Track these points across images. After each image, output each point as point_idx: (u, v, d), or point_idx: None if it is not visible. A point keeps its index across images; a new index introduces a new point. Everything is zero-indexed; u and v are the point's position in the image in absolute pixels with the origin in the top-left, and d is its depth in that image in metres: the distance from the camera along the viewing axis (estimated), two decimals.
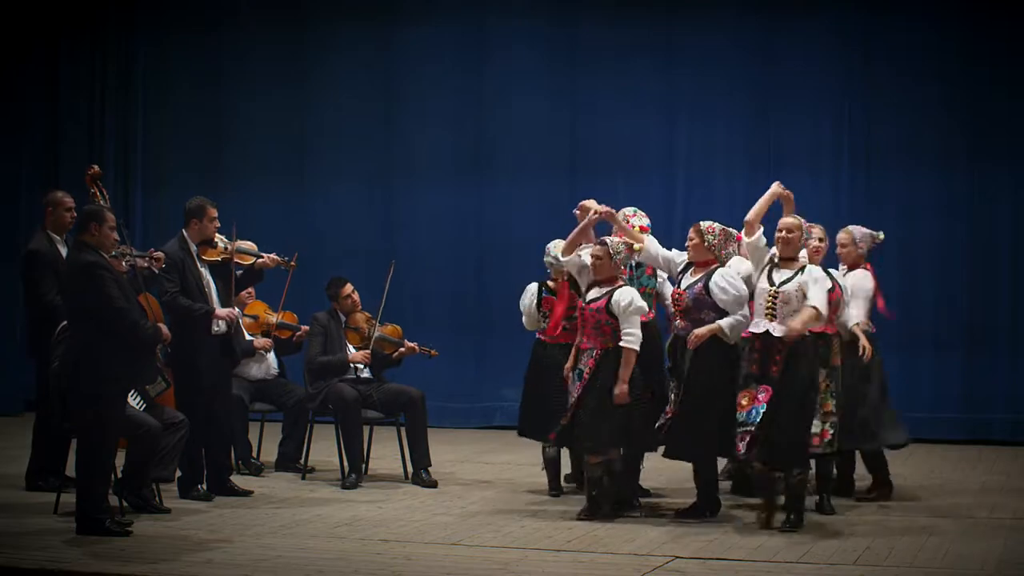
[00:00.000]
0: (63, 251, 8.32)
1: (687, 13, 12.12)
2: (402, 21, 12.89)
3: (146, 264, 7.90)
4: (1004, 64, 11.31)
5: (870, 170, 11.66)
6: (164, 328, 7.36)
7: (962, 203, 11.45)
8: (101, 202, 8.36)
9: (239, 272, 8.45)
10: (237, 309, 8.35)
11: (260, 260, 8.48)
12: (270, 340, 9.41)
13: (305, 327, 9.42)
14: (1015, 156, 11.30)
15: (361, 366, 9.02)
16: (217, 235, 8.32)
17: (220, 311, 8.13)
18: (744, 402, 7.17)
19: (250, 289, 9.29)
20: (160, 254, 8.00)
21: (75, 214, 8.46)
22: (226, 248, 8.32)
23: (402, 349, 9.15)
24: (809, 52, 11.78)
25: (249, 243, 8.54)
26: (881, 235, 8.33)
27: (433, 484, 8.70)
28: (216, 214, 8.28)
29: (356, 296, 9.18)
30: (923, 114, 11.48)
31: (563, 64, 12.42)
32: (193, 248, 8.23)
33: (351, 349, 9.06)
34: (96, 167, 8.71)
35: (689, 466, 7.61)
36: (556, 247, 8.17)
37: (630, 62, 12.20)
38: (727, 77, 11.99)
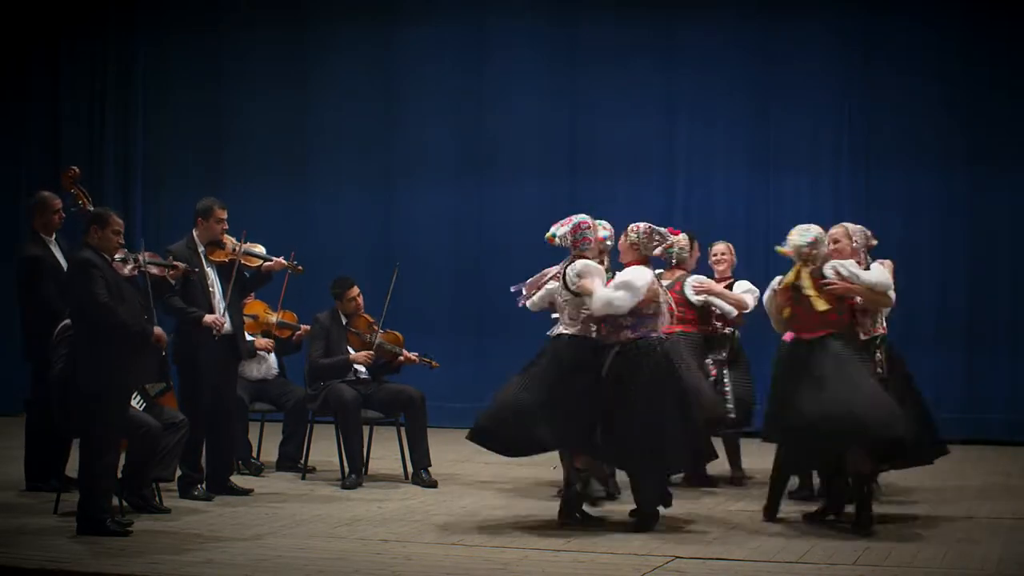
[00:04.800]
0: (56, 252, 8.33)
1: (687, 13, 12.13)
2: (402, 21, 12.90)
3: (162, 274, 7.90)
4: (1004, 64, 11.32)
5: (870, 170, 11.67)
6: (158, 329, 7.34)
7: (962, 203, 11.46)
8: (85, 204, 8.36)
9: (247, 275, 8.47)
10: (226, 318, 8.29)
11: (267, 263, 8.49)
12: (271, 341, 9.42)
13: (305, 326, 9.42)
14: (1015, 156, 11.30)
15: (361, 368, 9.01)
16: (226, 237, 8.34)
17: (207, 318, 8.14)
18: None
19: None
20: (181, 264, 8.02)
21: (63, 215, 8.47)
22: (234, 250, 8.34)
23: (401, 358, 9.13)
24: (809, 52, 11.79)
25: (259, 246, 8.56)
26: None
27: (433, 484, 8.70)
28: (224, 215, 8.32)
29: (360, 299, 9.16)
30: (923, 114, 11.49)
31: (563, 64, 12.43)
32: (201, 249, 8.26)
33: (351, 352, 9.05)
34: (75, 169, 8.69)
35: None
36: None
37: (630, 62, 12.21)
38: (727, 77, 12.00)
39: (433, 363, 9.30)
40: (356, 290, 9.15)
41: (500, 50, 12.59)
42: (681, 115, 12.19)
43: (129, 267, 7.58)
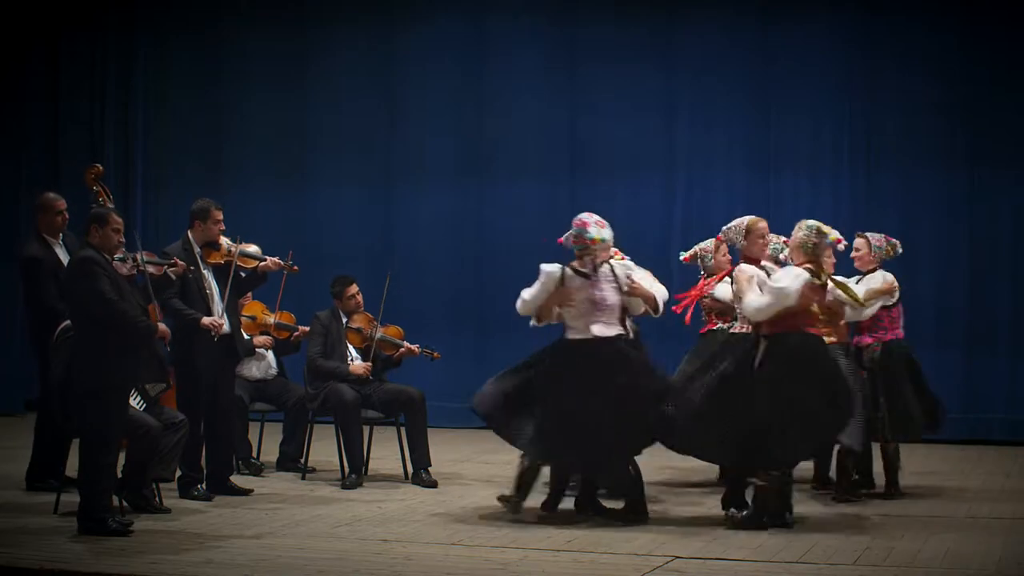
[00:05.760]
0: (59, 252, 8.33)
1: (687, 13, 12.12)
2: (402, 21, 12.90)
3: (160, 272, 7.89)
4: (1004, 64, 11.31)
5: (870, 170, 11.66)
6: (161, 326, 7.35)
7: (962, 203, 11.45)
8: (106, 201, 8.38)
9: (242, 275, 8.47)
10: (225, 319, 8.30)
11: (263, 264, 8.50)
12: (270, 338, 9.43)
13: (303, 327, 9.43)
14: (1015, 156, 11.29)
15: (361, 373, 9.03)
16: (222, 238, 8.34)
17: (205, 320, 8.14)
18: None
19: None
20: (181, 263, 8.00)
21: (66, 216, 8.48)
22: (230, 251, 8.34)
23: (402, 350, 9.16)
24: (809, 52, 11.78)
25: (254, 247, 8.56)
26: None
27: (433, 484, 8.70)
28: (221, 216, 8.32)
29: (360, 297, 9.19)
30: (923, 114, 11.48)
31: (563, 64, 12.42)
32: (197, 250, 8.26)
33: (352, 351, 9.06)
34: (99, 166, 8.74)
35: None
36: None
37: (630, 62, 12.20)
38: (727, 77, 11.99)
39: (435, 354, 9.32)
40: (355, 288, 9.18)
41: (500, 50, 12.58)
42: (681, 115, 12.18)
43: (128, 266, 7.58)
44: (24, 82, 13.62)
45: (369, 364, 9.00)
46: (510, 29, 12.58)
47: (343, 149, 12.99)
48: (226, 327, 8.24)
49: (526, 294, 7.55)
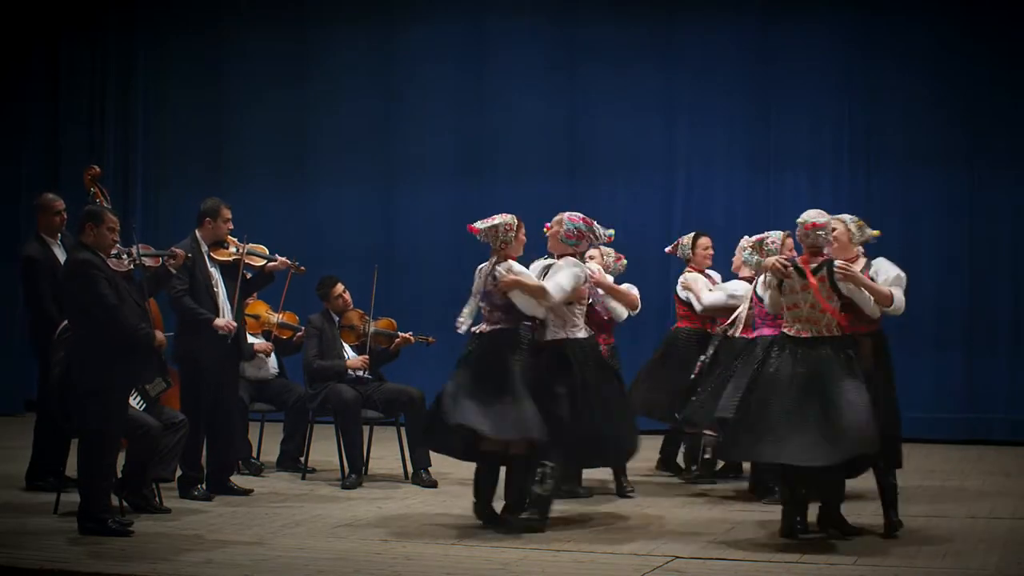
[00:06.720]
0: (58, 253, 8.33)
1: (687, 13, 12.14)
2: (402, 21, 12.91)
3: (157, 264, 7.87)
4: (1004, 64, 11.32)
5: (870, 170, 11.67)
6: (159, 334, 7.34)
7: (962, 203, 11.46)
8: (102, 203, 8.36)
9: (249, 275, 8.47)
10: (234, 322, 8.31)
11: (271, 263, 8.50)
12: (270, 344, 9.42)
13: None
14: (1015, 156, 11.31)
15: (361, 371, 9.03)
16: (229, 237, 8.35)
17: (218, 321, 8.15)
18: None
19: None
20: (180, 252, 7.97)
21: (64, 216, 8.49)
22: (237, 250, 8.35)
23: (398, 340, 9.16)
24: (809, 52, 11.79)
25: (261, 247, 8.57)
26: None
27: (433, 484, 8.70)
28: (230, 215, 8.35)
29: (347, 295, 9.20)
30: (923, 114, 11.49)
31: (563, 64, 12.43)
32: (204, 248, 8.27)
33: (348, 349, 9.08)
34: (96, 168, 8.74)
35: None
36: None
37: (630, 62, 12.22)
38: (727, 77, 12.00)
39: (429, 339, 9.33)
40: (341, 287, 9.19)
41: (500, 50, 12.59)
42: (681, 115, 12.19)
43: (125, 262, 7.55)
44: (24, 82, 13.63)
45: (366, 356, 9.01)
46: (510, 29, 12.58)
47: (343, 149, 12.99)
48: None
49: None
